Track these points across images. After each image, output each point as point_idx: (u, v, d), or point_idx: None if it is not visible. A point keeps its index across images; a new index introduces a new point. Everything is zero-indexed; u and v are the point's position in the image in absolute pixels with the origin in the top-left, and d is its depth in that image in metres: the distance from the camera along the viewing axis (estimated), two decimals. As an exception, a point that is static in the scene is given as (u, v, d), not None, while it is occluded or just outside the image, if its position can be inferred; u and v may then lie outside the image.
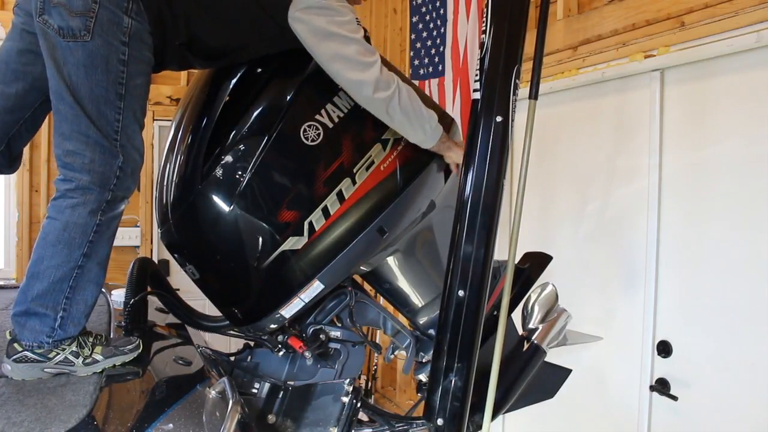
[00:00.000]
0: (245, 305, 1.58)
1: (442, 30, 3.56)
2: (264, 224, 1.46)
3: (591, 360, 2.69)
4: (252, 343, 1.76)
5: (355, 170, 1.46)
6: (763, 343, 2.09)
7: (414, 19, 3.88)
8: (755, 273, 2.12)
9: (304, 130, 1.45)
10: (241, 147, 1.46)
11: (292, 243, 1.45)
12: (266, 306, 1.53)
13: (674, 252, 2.42)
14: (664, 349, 2.43)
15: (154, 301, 1.89)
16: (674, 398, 2.35)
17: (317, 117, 1.46)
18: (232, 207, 1.45)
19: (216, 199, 1.48)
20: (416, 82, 3.81)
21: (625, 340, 2.58)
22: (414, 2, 3.88)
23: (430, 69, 3.68)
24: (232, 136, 1.47)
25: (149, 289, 1.75)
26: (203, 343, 1.86)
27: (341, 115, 1.47)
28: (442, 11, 3.58)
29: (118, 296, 2.00)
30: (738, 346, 2.18)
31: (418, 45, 3.82)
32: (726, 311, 2.22)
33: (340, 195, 1.45)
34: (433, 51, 3.67)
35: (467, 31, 3.29)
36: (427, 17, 3.73)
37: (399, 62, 4.31)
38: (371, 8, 4.66)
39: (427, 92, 3.68)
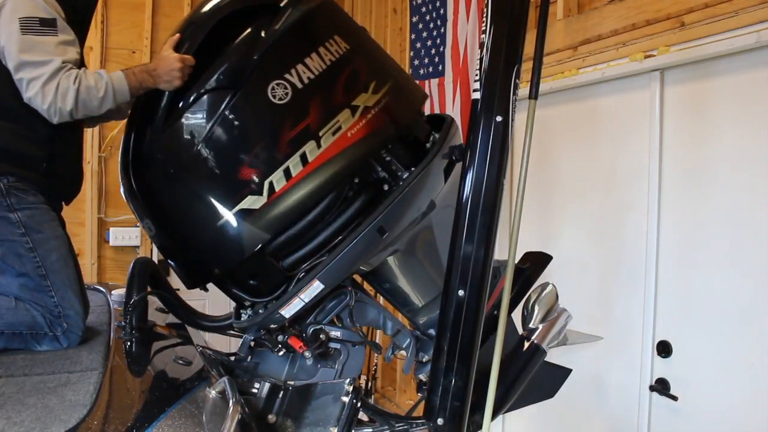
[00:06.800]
0: (199, 264, 1.57)
1: (442, 30, 3.56)
2: (223, 180, 1.44)
3: (591, 360, 2.68)
4: (252, 343, 1.76)
5: (321, 133, 1.43)
6: (763, 343, 2.09)
7: (414, 19, 3.88)
8: (755, 273, 2.12)
9: (272, 88, 1.42)
10: (207, 98, 1.44)
11: (250, 202, 1.42)
12: (220, 266, 1.51)
13: (674, 252, 2.42)
14: (664, 349, 2.43)
15: (154, 301, 1.89)
16: (674, 398, 2.35)
17: (287, 76, 1.43)
18: (191, 159, 1.44)
19: (177, 148, 1.47)
20: (416, 83, 3.81)
21: (625, 340, 2.58)
22: (414, 2, 3.88)
23: (430, 69, 3.68)
24: (198, 86, 1.46)
25: (149, 289, 1.75)
26: (203, 343, 1.85)
27: (311, 77, 1.44)
28: (442, 11, 3.58)
29: (118, 296, 2.00)
30: (738, 346, 2.18)
31: (418, 45, 3.82)
32: (726, 311, 2.22)
33: (303, 157, 1.41)
34: (433, 51, 3.67)
35: (467, 31, 3.29)
36: (427, 17, 3.73)
37: (399, 62, 4.30)
38: (371, 8, 4.65)
39: (427, 92, 3.68)
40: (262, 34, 1.47)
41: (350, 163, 1.45)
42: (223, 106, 1.42)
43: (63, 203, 1.83)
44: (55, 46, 1.53)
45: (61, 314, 1.60)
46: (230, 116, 1.43)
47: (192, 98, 1.46)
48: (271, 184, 1.41)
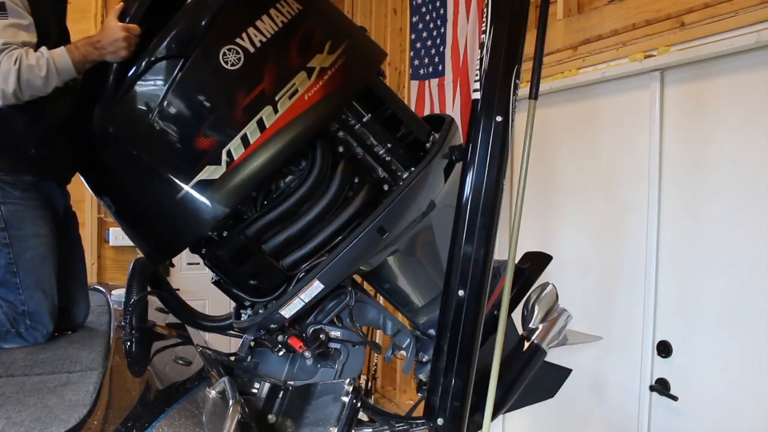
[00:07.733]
0: (162, 239, 1.55)
1: (442, 30, 3.56)
2: (180, 151, 1.41)
3: (591, 360, 2.68)
4: (252, 343, 1.76)
5: (277, 98, 1.39)
6: (763, 343, 2.09)
7: (414, 19, 3.88)
8: (755, 273, 2.12)
9: (224, 54, 1.38)
10: (157, 68, 1.41)
11: (209, 172, 1.38)
12: (183, 240, 1.49)
13: (674, 252, 2.42)
14: (664, 349, 2.43)
15: (154, 301, 1.89)
16: (674, 398, 2.35)
17: (238, 41, 1.39)
18: (145, 132, 1.41)
19: (129, 121, 1.44)
20: (416, 82, 3.81)
21: (625, 340, 2.58)
22: (414, 2, 3.88)
23: (430, 69, 3.68)
24: (146, 56, 1.42)
25: (149, 289, 1.75)
26: (203, 343, 1.85)
27: (263, 40, 1.40)
28: (442, 11, 3.58)
29: (118, 296, 2.00)
30: (738, 346, 2.18)
31: (418, 45, 3.82)
32: (726, 311, 2.22)
33: (260, 123, 1.38)
34: (433, 51, 3.67)
35: (467, 31, 3.29)
36: (427, 17, 3.73)
37: (399, 62, 4.31)
38: (371, 8, 4.65)
39: (427, 92, 3.69)
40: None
41: (310, 127, 1.42)
42: (173, 75, 1.38)
43: (68, 196, 1.83)
44: (2, 29, 1.48)
45: (26, 312, 1.60)
46: (182, 85, 1.39)
47: (141, 69, 1.42)
48: (229, 152, 1.37)
